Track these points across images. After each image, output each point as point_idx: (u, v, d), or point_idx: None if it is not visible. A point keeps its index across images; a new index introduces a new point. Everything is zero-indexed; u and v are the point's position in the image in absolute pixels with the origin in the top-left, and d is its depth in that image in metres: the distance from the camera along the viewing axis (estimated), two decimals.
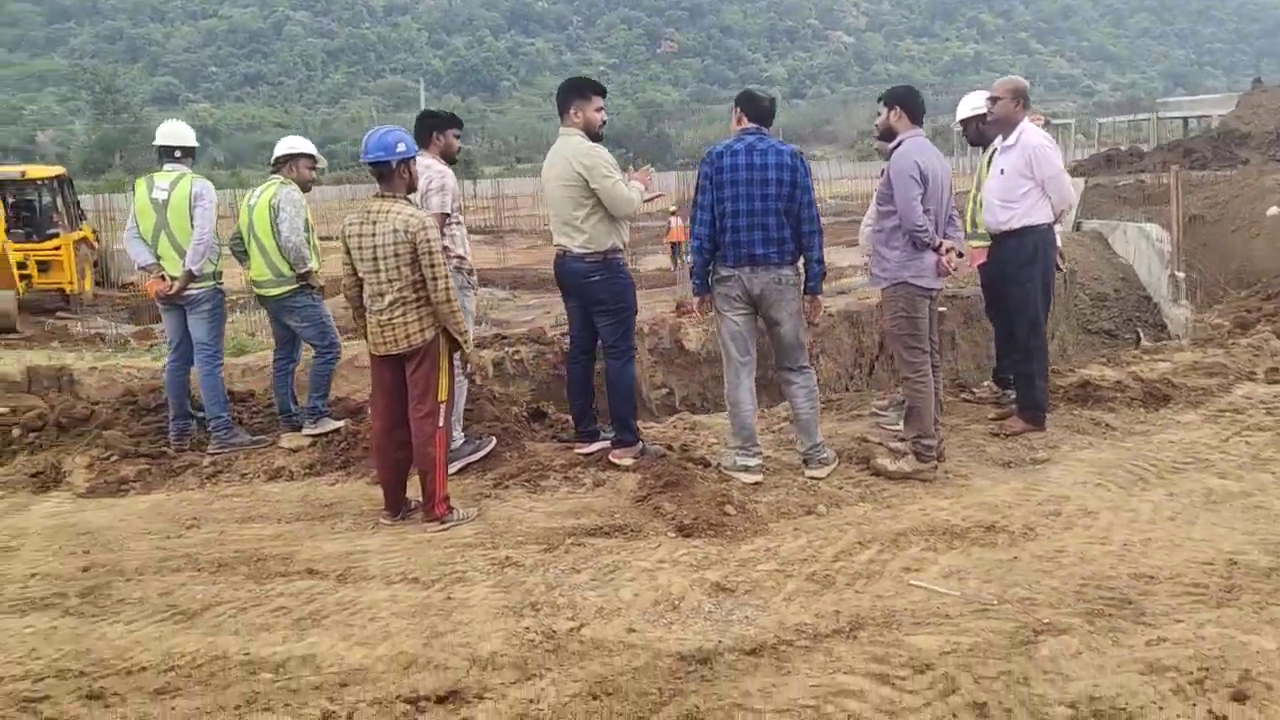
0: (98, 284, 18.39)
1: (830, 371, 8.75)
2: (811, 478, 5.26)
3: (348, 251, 4.91)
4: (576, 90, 5.45)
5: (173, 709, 3.29)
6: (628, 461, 5.51)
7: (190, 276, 6.18)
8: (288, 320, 6.38)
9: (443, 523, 4.89)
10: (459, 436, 5.68)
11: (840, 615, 3.74)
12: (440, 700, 3.30)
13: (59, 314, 15.62)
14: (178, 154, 6.32)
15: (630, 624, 3.80)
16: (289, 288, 6.27)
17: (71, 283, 16.23)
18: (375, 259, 4.76)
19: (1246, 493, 4.66)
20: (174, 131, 6.36)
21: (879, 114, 5.38)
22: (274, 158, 6.47)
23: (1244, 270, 12.87)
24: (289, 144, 6.52)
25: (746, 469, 5.24)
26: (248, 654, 3.66)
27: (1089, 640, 3.39)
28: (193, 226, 6.19)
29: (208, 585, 4.40)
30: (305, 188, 6.47)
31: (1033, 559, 4.15)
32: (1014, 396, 6.07)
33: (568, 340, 6.17)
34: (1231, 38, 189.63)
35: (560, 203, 5.39)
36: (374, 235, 4.75)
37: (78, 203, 19.15)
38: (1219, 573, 3.85)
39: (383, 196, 4.82)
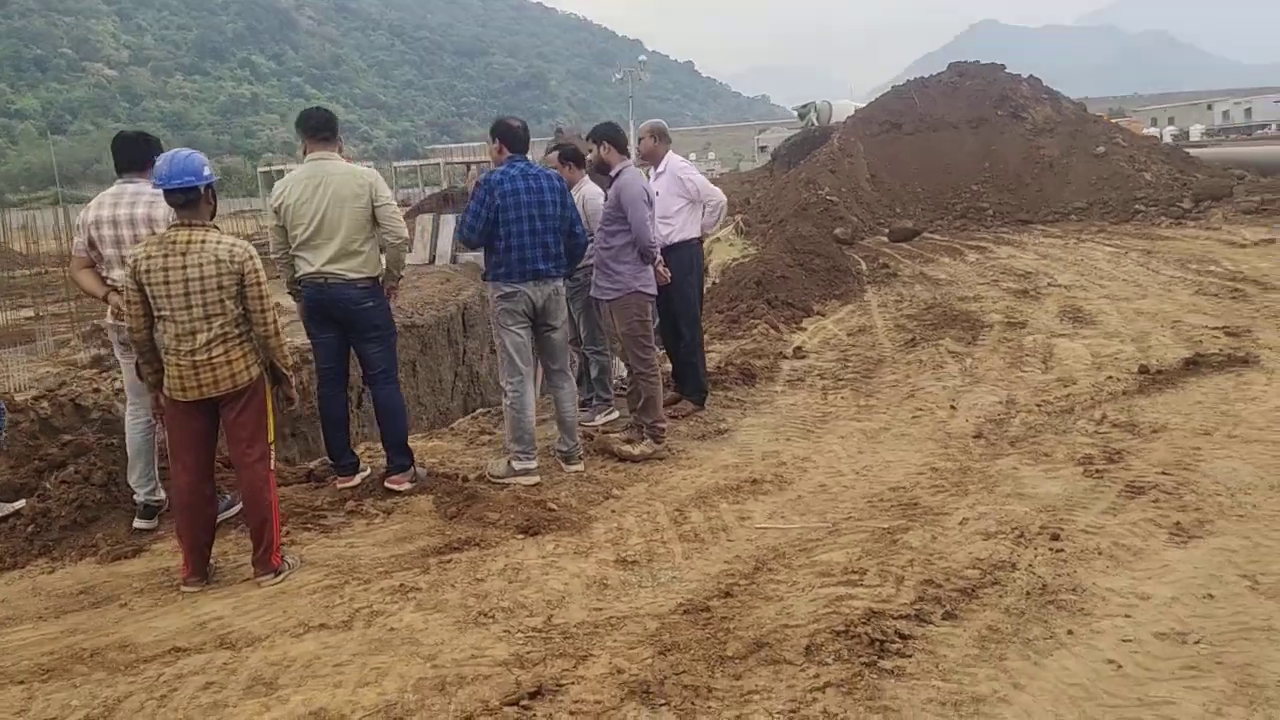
0: None
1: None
2: (575, 471, 5.83)
3: (140, 289, 4.28)
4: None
5: None
6: (405, 486, 5.52)
7: None
8: None
9: (278, 574, 4.53)
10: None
11: (744, 558, 4.51)
12: (534, 695, 3.42)
13: None
14: None
15: (592, 605, 4.15)
16: None
17: None
18: (187, 294, 4.26)
19: (885, 427, 6.37)
20: None
21: (590, 149, 6.15)
22: None
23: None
24: None
25: (527, 471, 5.63)
26: None
27: (928, 525, 4.65)
28: None
29: (69, 689, 3.65)
30: None
31: (810, 495, 5.30)
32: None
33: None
34: (482, 93, 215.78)
35: (346, 226, 5.25)
36: (184, 269, 4.25)
37: None
38: (935, 476, 5.41)
39: (189, 225, 4.32)
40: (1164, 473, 5.04)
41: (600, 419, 6.82)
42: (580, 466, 5.87)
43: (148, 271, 4.26)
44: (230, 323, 4.34)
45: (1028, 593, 3.88)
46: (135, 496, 5.14)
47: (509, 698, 3.41)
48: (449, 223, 18.52)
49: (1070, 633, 3.54)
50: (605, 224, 5.98)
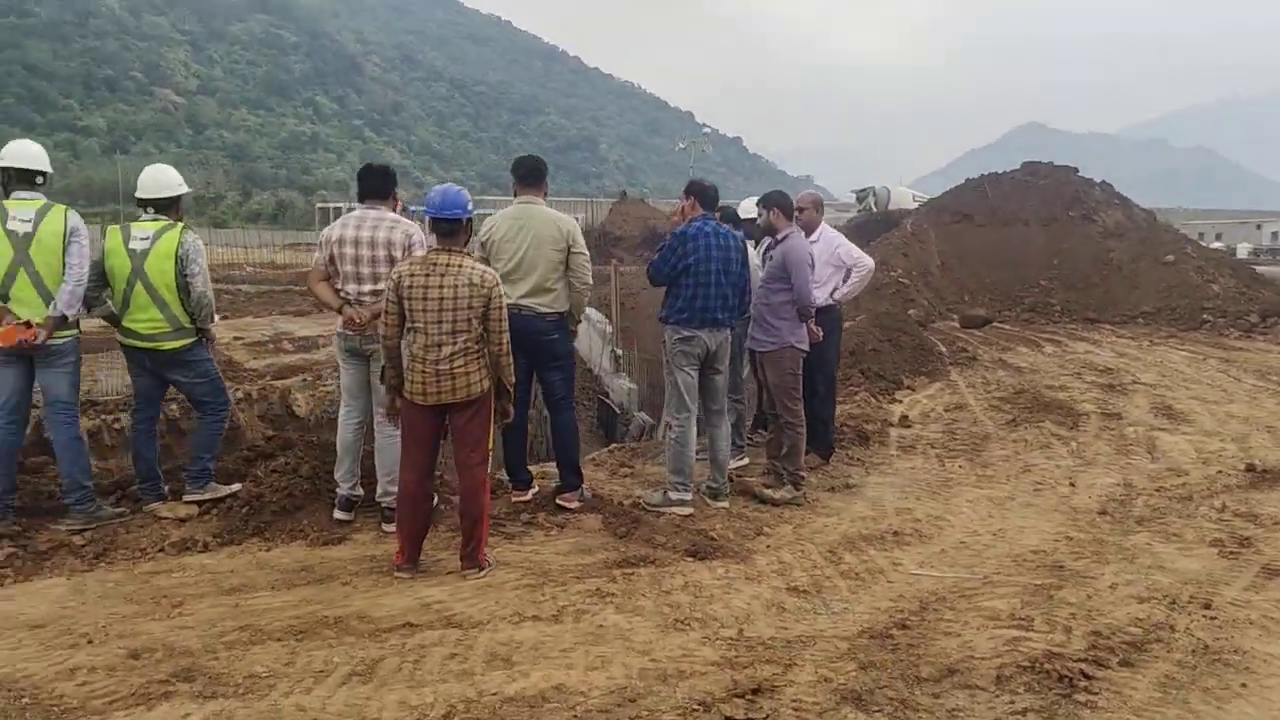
0: None
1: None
2: (721, 507, 6.24)
3: (399, 301, 4.80)
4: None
5: None
6: (575, 504, 5.96)
7: (59, 323, 5.12)
8: (178, 375, 5.58)
9: (481, 570, 4.96)
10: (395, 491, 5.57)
11: (907, 597, 4.88)
12: (755, 692, 3.80)
13: None
14: (38, 180, 5.25)
15: (776, 623, 4.53)
16: (188, 340, 5.53)
17: None
18: (440, 310, 4.77)
19: (1009, 496, 6.73)
20: (28, 152, 5.27)
21: (760, 214, 6.69)
22: (152, 196, 5.61)
23: None
24: (170, 180, 5.70)
25: (683, 502, 6.05)
26: (497, 694, 3.72)
27: (1079, 585, 5.01)
28: (66, 265, 5.17)
29: (327, 649, 4.07)
30: None
31: (953, 550, 5.66)
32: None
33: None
34: (534, 149, 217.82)
35: (542, 266, 5.80)
36: (440, 288, 4.76)
37: None
38: (1072, 544, 5.76)
39: (449, 250, 4.84)
40: None
41: (733, 464, 7.22)
42: (726, 504, 6.27)
43: (410, 287, 4.77)
44: (472, 339, 4.83)
45: (1193, 650, 4.22)
46: (338, 490, 5.59)
47: (731, 692, 3.79)
48: None
49: (1244, 685, 3.89)
50: (768, 282, 6.44)
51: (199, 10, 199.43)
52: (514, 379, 5.07)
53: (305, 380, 9.85)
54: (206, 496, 5.62)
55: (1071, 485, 6.96)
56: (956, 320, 17.61)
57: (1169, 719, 3.62)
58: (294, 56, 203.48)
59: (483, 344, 4.90)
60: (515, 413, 6.01)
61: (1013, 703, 3.75)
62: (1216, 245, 51.79)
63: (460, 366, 4.82)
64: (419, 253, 5.42)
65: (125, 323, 5.56)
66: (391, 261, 5.40)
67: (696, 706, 3.68)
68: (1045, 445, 8.22)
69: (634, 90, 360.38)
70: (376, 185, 5.64)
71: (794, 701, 3.75)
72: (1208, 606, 4.70)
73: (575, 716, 3.61)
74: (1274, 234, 68.17)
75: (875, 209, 36.42)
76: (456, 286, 4.77)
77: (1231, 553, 5.49)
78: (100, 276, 5.53)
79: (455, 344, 4.79)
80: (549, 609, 4.58)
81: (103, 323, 5.88)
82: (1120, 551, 5.59)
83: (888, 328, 13.06)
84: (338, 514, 5.57)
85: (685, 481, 6.09)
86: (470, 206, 4.94)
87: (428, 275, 4.79)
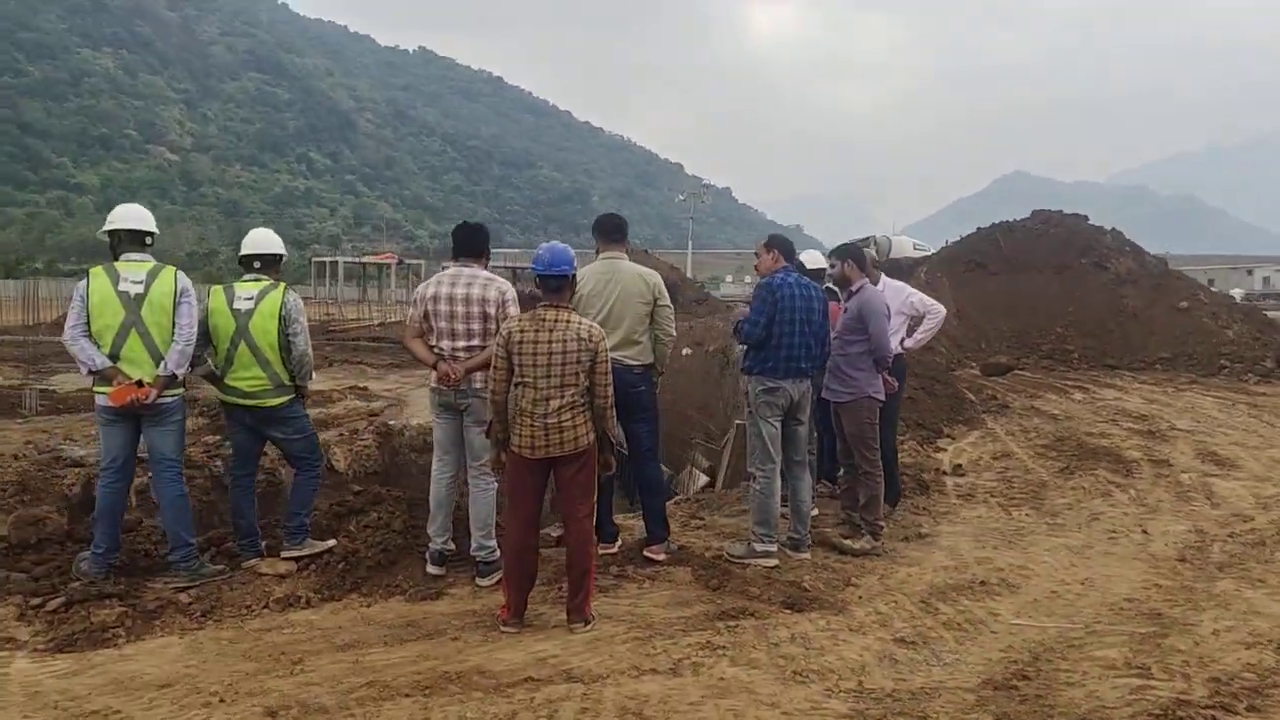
0: None
1: None
2: (802, 559, 6.24)
3: (508, 356, 4.85)
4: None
5: None
6: (662, 556, 5.97)
7: (170, 382, 5.17)
8: (276, 432, 5.63)
9: (588, 623, 4.95)
10: (492, 545, 5.58)
11: (1016, 648, 4.87)
12: None
13: None
14: (147, 240, 5.34)
15: (894, 675, 4.52)
16: (287, 398, 5.58)
17: None
18: (549, 365, 4.82)
19: (1087, 544, 6.75)
20: (138, 215, 5.40)
21: (833, 265, 6.78)
22: (263, 251, 5.70)
23: None
24: (271, 241, 5.80)
25: (768, 554, 6.05)
26: None
27: (1183, 633, 5.02)
28: (175, 325, 5.23)
29: (458, 704, 4.06)
30: None
31: (1046, 599, 5.66)
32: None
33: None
34: (527, 202, 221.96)
35: (629, 319, 5.87)
36: (550, 343, 4.82)
37: None
38: (1162, 592, 5.77)
39: (556, 307, 4.91)
40: None
41: None
42: (807, 555, 6.28)
43: (520, 343, 4.82)
44: (579, 393, 4.88)
45: None
46: (431, 545, 5.59)
47: None
48: None
49: None
50: (844, 333, 6.51)
51: (194, 69, 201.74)
52: (615, 431, 5.11)
53: (342, 435, 9.89)
54: (305, 552, 5.62)
55: (1145, 533, 6.98)
56: (977, 368, 17.72)
57: None
58: (288, 113, 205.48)
59: (587, 398, 4.94)
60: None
61: None
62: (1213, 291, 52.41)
63: (568, 420, 4.86)
64: (513, 310, 5.49)
65: (228, 381, 5.60)
66: (485, 318, 5.46)
67: None
68: (1105, 493, 8.25)
69: (624, 144, 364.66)
70: (471, 243, 5.72)
71: None
72: None
73: None
74: (1265, 279, 68.99)
75: (879, 257, 36.80)
76: (565, 341, 4.83)
77: None
78: (203, 336, 5.58)
79: (563, 398, 4.84)
80: (664, 662, 4.58)
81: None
82: (1211, 598, 5.60)
83: (921, 376, 13.10)
84: (431, 569, 5.57)
85: (770, 533, 6.10)
86: (575, 264, 5.01)
87: (537, 331, 4.84)
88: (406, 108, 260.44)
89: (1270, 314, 24.10)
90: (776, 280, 6.08)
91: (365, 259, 71.86)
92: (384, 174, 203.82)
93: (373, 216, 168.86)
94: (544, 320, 4.87)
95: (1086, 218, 23.18)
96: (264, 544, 5.75)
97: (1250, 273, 74.36)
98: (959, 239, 25.62)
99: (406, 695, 4.15)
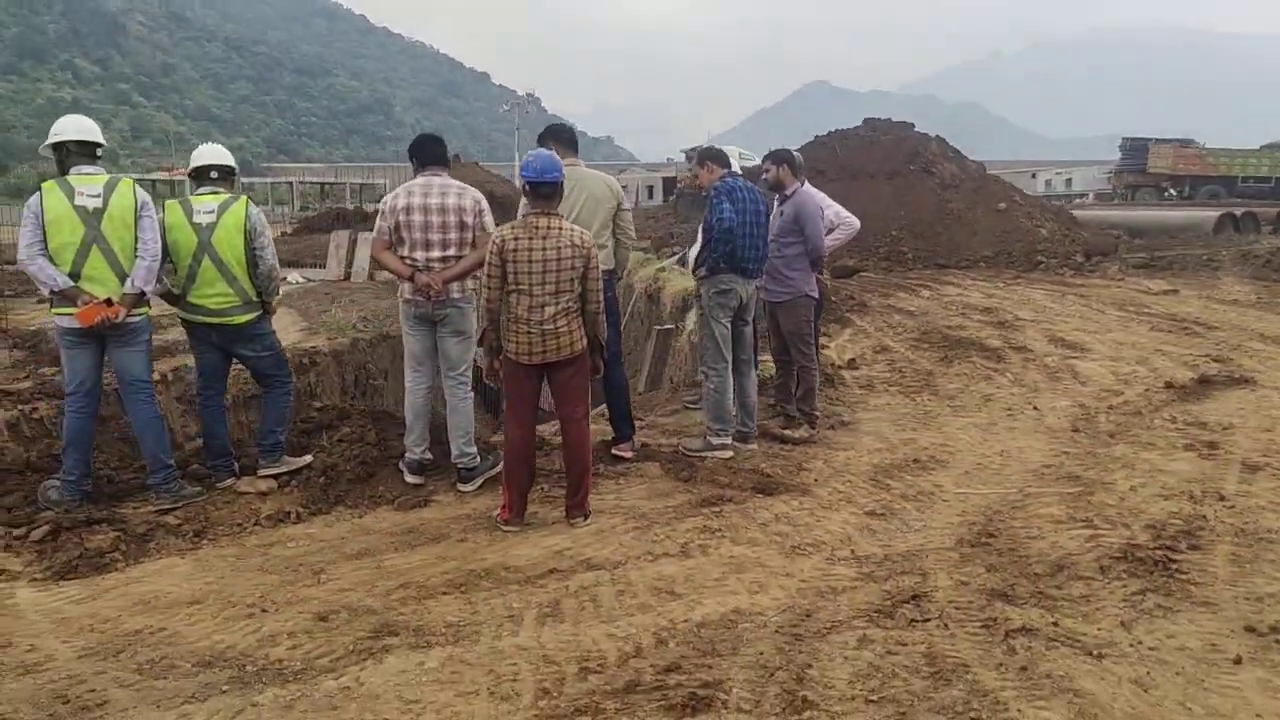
0: None
1: None
2: (750, 450, 6.61)
3: (502, 265, 4.88)
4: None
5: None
6: (629, 454, 6.20)
7: (137, 300, 4.90)
8: (245, 349, 5.45)
9: (586, 517, 5.17)
10: (472, 453, 5.66)
11: (970, 513, 5.42)
12: (914, 598, 4.22)
13: None
14: (98, 152, 4.96)
15: (878, 542, 4.98)
16: (255, 314, 5.39)
17: None
18: (544, 272, 4.90)
19: (992, 422, 7.41)
20: (87, 125, 5.02)
21: (767, 169, 7.00)
22: (219, 162, 5.40)
23: None
24: (226, 154, 5.50)
25: (723, 446, 6.38)
26: (687, 620, 3.98)
27: (1105, 491, 5.68)
28: (139, 240, 4.94)
29: (500, 597, 4.22)
30: None
31: (976, 471, 6.25)
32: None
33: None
34: (324, 113, 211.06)
35: (596, 224, 5.93)
36: (544, 250, 4.88)
37: None
38: (1072, 458, 6.45)
39: (548, 214, 4.95)
40: (1264, 455, 6.25)
41: None
42: (755, 446, 6.65)
43: (514, 250, 4.87)
44: (573, 299, 4.99)
45: (1235, 533, 4.93)
46: (409, 455, 5.61)
47: (893, 599, 4.20)
48: (367, 241, 18.71)
49: None
50: (781, 235, 6.81)
51: None
52: (605, 335, 5.26)
53: None
54: (282, 470, 5.54)
55: (1036, 409, 7.73)
56: (826, 272, 18.54)
57: (1259, 586, 4.28)
58: (47, 16, 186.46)
59: (579, 303, 5.05)
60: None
61: (1126, 586, 4.32)
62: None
63: (564, 325, 4.97)
64: (487, 218, 5.49)
65: (192, 298, 5.37)
66: (462, 227, 5.44)
67: (875, 612, 4.07)
68: (987, 377, 9.01)
69: (425, 50, 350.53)
70: (438, 152, 5.64)
71: (951, 603, 4.19)
72: (1222, 499, 5.45)
73: (775, 632, 3.91)
74: (1047, 181, 74.14)
75: None
76: (560, 248, 4.91)
77: (1207, 455, 6.31)
78: (162, 252, 5.30)
79: (558, 304, 4.94)
80: (671, 547, 4.86)
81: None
82: (1114, 460, 6.32)
83: None
84: (410, 478, 5.61)
85: (725, 428, 6.42)
86: (563, 170, 5.06)
87: (530, 238, 4.90)
88: (182, 9, 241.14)
89: (1076, 213, 26.23)
90: (728, 184, 6.29)
91: (154, 175, 67.03)
92: (161, 82, 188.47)
93: (153, 130, 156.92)
94: (537, 228, 4.93)
95: (913, 125, 24.36)
96: (237, 464, 5.62)
97: (1034, 176, 79.44)
98: (798, 148, 26.39)
99: (444, 593, 4.27)
